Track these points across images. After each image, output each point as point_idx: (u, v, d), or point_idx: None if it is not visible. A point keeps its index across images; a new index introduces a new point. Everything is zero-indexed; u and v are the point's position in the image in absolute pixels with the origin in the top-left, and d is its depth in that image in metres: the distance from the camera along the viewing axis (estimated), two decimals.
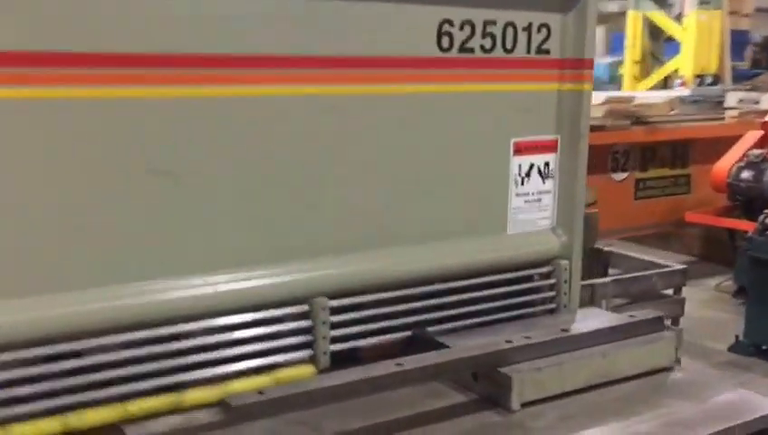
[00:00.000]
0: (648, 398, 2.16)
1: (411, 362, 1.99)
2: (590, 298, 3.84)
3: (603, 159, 6.35)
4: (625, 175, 6.53)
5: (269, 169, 2.11)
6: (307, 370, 2.16)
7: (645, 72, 11.35)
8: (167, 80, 1.93)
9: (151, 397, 1.95)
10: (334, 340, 2.20)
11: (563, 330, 2.23)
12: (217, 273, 2.06)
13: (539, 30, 2.49)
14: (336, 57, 2.15)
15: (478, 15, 2.37)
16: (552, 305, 2.62)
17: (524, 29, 2.46)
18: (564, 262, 2.62)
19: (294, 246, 2.17)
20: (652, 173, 6.72)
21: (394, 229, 2.34)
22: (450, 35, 2.33)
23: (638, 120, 6.61)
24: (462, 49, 2.36)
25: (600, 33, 13.87)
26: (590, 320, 2.46)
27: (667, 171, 6.82)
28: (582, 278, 2.73)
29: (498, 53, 2.43)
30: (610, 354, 2.21)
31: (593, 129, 6.18)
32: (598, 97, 6.42)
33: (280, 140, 2.12)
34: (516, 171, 2.55)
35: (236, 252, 2.09)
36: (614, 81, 12.84)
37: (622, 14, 12.16)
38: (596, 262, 4.68)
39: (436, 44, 2.31)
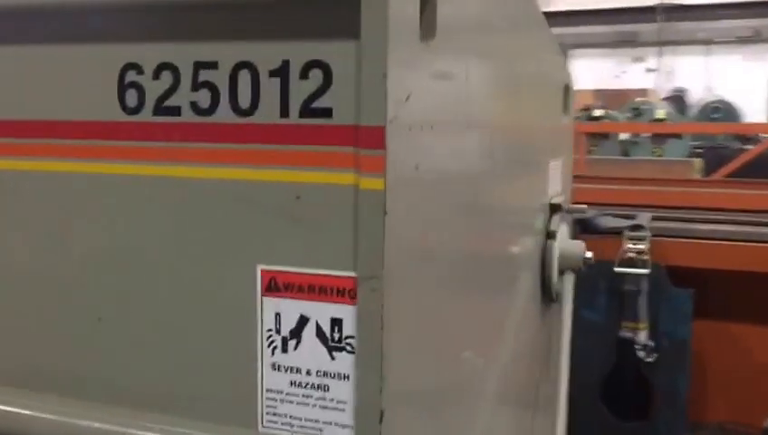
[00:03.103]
0: None
1: None
2: None
3: None
4: None
5: None
6: None
7: None
8: None
9: None
10: None
11: None
12: None
13: (305, 73, 1.34)
14: None
15: (184, 54, 1.42)
16: None
17: (274, 73, 1.36)
18: None
19: None
20: None
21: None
22: (140, 89, 1.47)
23: None
24: (159, 109, 1.46)
25: None
26: None
27: None
28: None
29: (223, 114, 1.41)
30: None
31: None
32: None
33: None
34: (271, 324, 1.41)
35: None
36: None
37: None
38: None
39: (117, 103, 1.49)
